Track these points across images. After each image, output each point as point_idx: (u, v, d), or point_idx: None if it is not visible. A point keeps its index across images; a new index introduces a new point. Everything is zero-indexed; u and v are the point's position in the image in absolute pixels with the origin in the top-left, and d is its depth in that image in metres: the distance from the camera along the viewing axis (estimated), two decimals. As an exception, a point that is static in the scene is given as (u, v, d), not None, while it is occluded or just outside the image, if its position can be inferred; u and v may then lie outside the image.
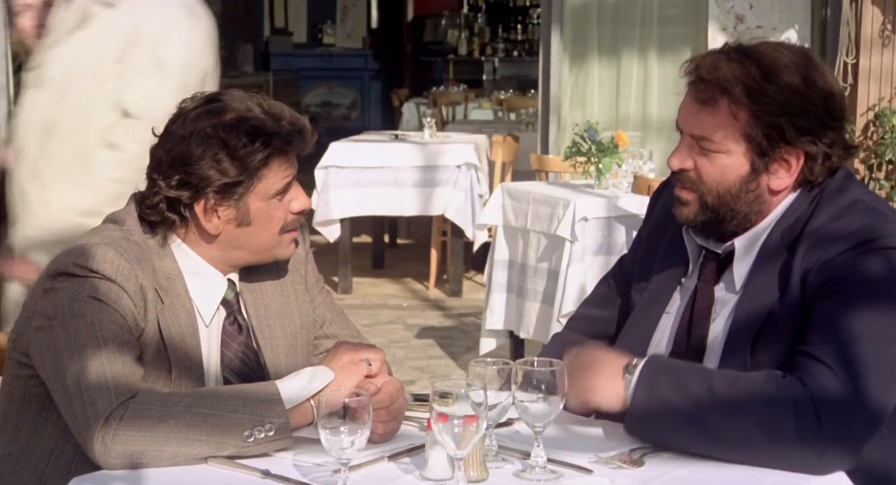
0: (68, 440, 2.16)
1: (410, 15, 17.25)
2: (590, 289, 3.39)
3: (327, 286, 2.60)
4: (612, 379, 2.14)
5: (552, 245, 5.27)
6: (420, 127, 9.12)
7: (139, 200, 2.28)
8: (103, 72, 2.99)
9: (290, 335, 2.39)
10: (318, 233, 7.51)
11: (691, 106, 2.26)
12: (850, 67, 6.71)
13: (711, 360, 2.26)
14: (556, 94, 7.52)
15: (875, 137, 6.75)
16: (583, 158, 5.58)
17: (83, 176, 2.99)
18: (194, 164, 2.20)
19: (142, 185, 2.95)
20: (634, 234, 2.85)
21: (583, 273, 5.13)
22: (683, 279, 2.36)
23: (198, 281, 2.28)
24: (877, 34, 6.72)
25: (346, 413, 1.88)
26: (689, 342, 2.31)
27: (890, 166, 6.75)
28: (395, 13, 17.26)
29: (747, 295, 2.24)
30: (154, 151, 2.26)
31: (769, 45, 2.26)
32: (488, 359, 2.08)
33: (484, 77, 15.80)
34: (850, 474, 2.04)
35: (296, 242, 2.35)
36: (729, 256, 2.30)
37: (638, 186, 5.24)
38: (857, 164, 6.67)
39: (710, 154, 2.24)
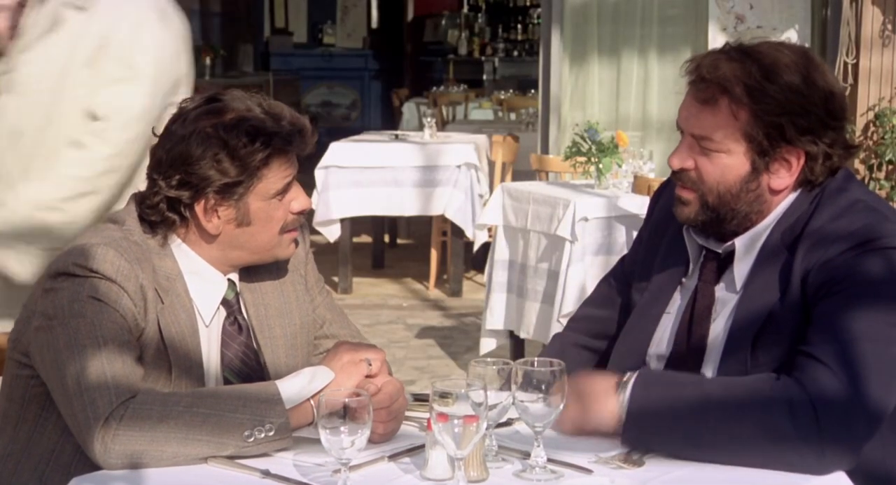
0: (68, 440, 2.16)
1: (410, 15, 17.26)
2: (590, 289, 3.39)
3: (327, 286, 2.60)
4: (605, 399, 2.13)
5: (552, 245, 5.27)
6: (420, 127, 9.13)
7: (139, 199, 2.28)
8: (74, 77, 2.96)
9: (290, 335, 2.39)
10: (318, 233, 7.51)
11: (692, 105, 2.26)
12: (850, 67, 6.71)
13: (712, 360, 2.26)
14: (556, 94, 7.52)
15: (875, 137, 6.76)
16: (583, 158, 5.58)
17: (45, 171, 2.97)
18: (194, 164, 2.20)
19: (103, 188, 2.94)
20: (635, 234, 2.86)
21: (583, 273, 5.13)
22: (684, 279, 2.37)
23: (198, 281, 2.28)
24: (877, 34, 6.72)
25: (346, 413, 1.88)
26: (690, 342, 2.31)
27: (890, 166, 6.75)
28: (395, 13, 17.27)
29: (748, 295, 2.24)
30: (154, 151, 2.26)
31: (770, 45, 2.26)
32: (488, 359, 2.08)
33: (484, 77, 15.80)
34: (850, 474, 2.04)
35: (296, 242, 2.35)
36: (729, 255, 2.30)
37: (638, 186, 5.24)
38: (857, 164, 6.67)
39: (711, 154, 2.24)
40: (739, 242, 2.28)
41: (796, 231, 2.22)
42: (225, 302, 2.32)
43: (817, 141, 2.22)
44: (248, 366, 2.33)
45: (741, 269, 2.27)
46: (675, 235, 2.39)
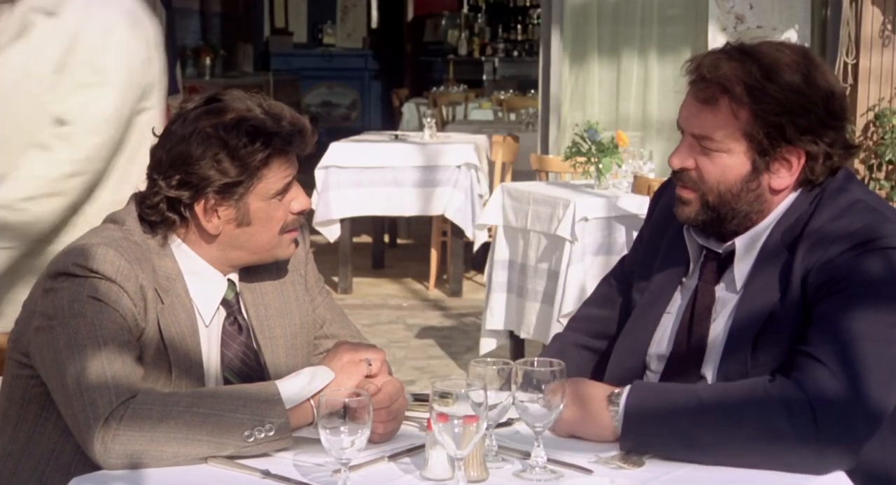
0: (68, 440, 2.16)
1: (410, 15, 17.26)
2: (590, 289, 3.40)
3: (327, 286, 2.60)
4: (598, 413, 2.13)
5: (552, 245, 5.27)
6: (420, 127, 9.13)
7: (139, 199, 2.28)
8: (42, 82, 2.93)
9: (290, 335, 2.39)
10: (318, 233, 7.51)
11: (692, 105, 2.26)
12: (850, 67, 6.71)
13: (712, 360, 2.26)
14: (556, 94, 7.52)
15: (875, 137, 6.76)
16: (583, 158, 5.58)
17: (8, 171, 2.95)
18: (194, 164, 2.20)
19: (69, 191, 2.92)
20: (635, 234, 2.86)
21: (583, 273, 5.13)
22: (684, 279, 2.37)
23: (198, 281, 2.28)
24: (877, 34, 6.72)
25: (346, 413, 1.88)
26: (690, 342, 2.31)
27: (890, 166, 6.75)
28: (395, 13, 17.27)
29: (748, 295, 2.24)
30: (154, 151, 2.26)
31: (770, 45, 2.26)
32: (488, 359, 2.08)
33: (484, 77, 15.81)
34: (850, 474, 2.04)
35: (296, 242, 2.35)
36: (730, 255, 2.30)
37: (638, 186, 5.24)
38: (857, 164, 6.67)
39: (711, 153, 2.24)
40: (740, 242, 2.28)
41: (796, 231, 2.22)
42: (225, 302, 2.32)
43: (818, 141, 2.22)
44: (248, 366, 2.33)
45: (741, 269, 2.27)
46: (675, 235, 2.39)
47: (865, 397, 2.03)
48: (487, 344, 5.71)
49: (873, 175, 6.75)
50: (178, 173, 2.21)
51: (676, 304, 2.36)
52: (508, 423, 2.18)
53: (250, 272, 2.36)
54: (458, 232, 7.67)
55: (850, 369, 2.04)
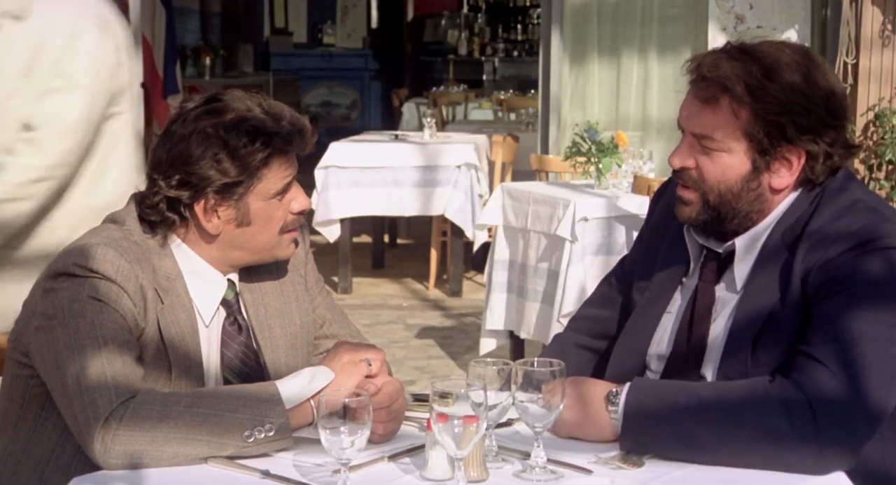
0: (68, 440, 2.16)
1: (410, 15, 17.26)
2: (590, 289, 3.40)
3: (327, 286, 2.60)
4: (597, 414, 2.13)
5: (552, 245, 5.27)
6: (420, 127, 9.13)
7: (139, 199, 2.28)
8: (9, 86, 2.91)
9: (290, 335, 2.39)
10: (318, 233, 7.51)
11: (692, 104, 2.26)
12: (850, 67, 6.71)
13: (712, 360, 2.26)
14: (556, 94, 7.52)
15: (875, 137, 6.75)
16: (583, 158, 5.58)
17: None
18: (194, 163, 2.20)
19: (35, 195, 2.91)
20: (635, 234, 2.86)
21: (583, 273, 5.13)
22: (684, 279, 2.37)
23: (198, 281, 2.28)
24: (877, 34, 6.71)
25: (346, 413, 1.88)
26: (690, 342, 2.31)
27: (890, 166, 6.75)
28: (395, 13, 17.27)
29: (748, 295, 2.24)
30: (154, 151, 2.26)
31: (771, 44, 2.26)
32: (488, 359, 2.08)
33: (484, 77, 15.81)
34: (850, 474, 2.04)
35: (296, 242, 2.35)
36: (730, 255, 2.30)
37: (638, 186, 5.24)
38: (857, 164, 6.67)
39: (712, 152, 2.24)
40: (740, 242, 2.28)
41: (797, 231, 2.22)
42: (225, 302, 2.32)
43: (818, 140, 2.22)
44: (248, 366, 2.32)
45: (741, 269, 2.27)
46: (675, 235, 2.39)
47: (865, 397, 2.03)
48: (487, 344, 5.71)
49: (873, 175, 6.75)
50: (178, 173, 2.21)
51: (676, 304, 2.36)
52: (508, 423, 2.18)
53: (250, 272, 2.36)
54: (458, 232, 7.67)
55: (850, 369, 2.04)
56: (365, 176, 7.60)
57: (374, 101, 16.66)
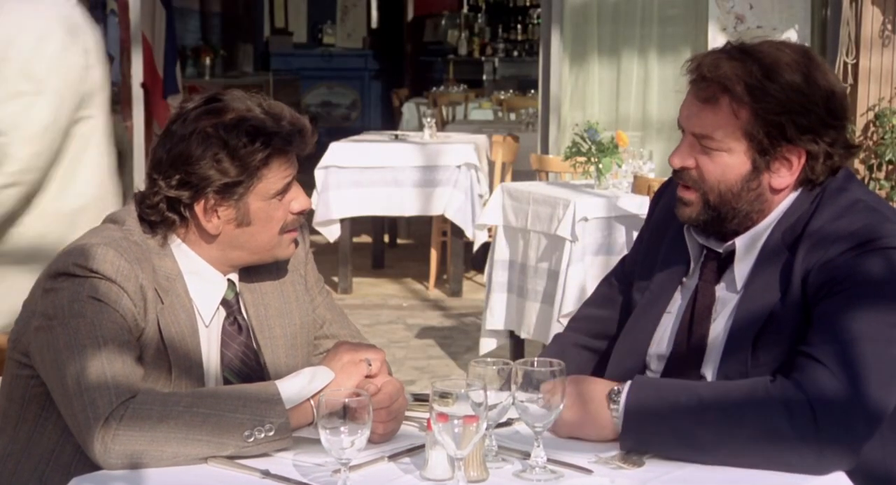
0: (68, 440, 2.16)
1: (410, 15, 17.26)
2: (590, 289, 3.40)
3: (327, 286, 2.60)
4: (598, 412, 2.13)
5: (552, 245, 5.27)
6: (420, 127, 9.13)
7: (139, 199, 2.28)
8: None
9: (290, 335, 2.39)
10: (318, 233, 7.51)
11: (693, 104, 2.26)
12: (850, 67, 6.71)
13: (712, 360, 2.26)
14: (556, 94, 7.52)
15: (875, 137, 6.75)
16: (583, 158, 5.58)
17: None
18: (194, 163, 2.20)
19: (4, 201, 2.89)
20: (635, 234, 2.86)
21: (583, 273, 5.13)
22: (684, 279, 2.36)
23: (198, 281, 2.28)
24: (877, 34, 6.71)
25: (346, 413, 1.88)
26: (690, 342, 2.31)
27: (890, 166, 6.75)
28: (395, 13, 17.27)
29: (748, 295, 2.24)
30: (154, 151, 2.26)
31: (771, 44, 2.26)
32: (488, 359, 2.08)
33: (484, 77, 15.81)
34: (850, 474, 2.04)
35: (296, 242, 2.35)
36: (730, 255, 2.30)
37: (638, 186, 5.24)
38: (857, 164, 6.67)
39: (712, 152, 2.24)
40: (740, 242, 2.28)
41: (797, 231, 2.22)
42: (225, 302, 2.32)
43: (818, 140, 2.22)
44: (248, 366, 2.32)
45: (742, 268, 2.27)
46: (675, 235, 2.39)
47: (865, 397, 2.03)
48: (487, 344, 5.71)
49: (873, 175, 6.75)
50: (178, 173, 2.21)
51: (677, 304, 2.36)
52: (508, 423, 2.18)
53: (250, 272, 2.36)
54: (458, 232, 7.67)
55: (850, 369, 2.04)
56: (365, 176, 7.60)
57: (374, 101, 16.66)
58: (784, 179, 2.25)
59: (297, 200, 2.29)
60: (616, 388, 2.13)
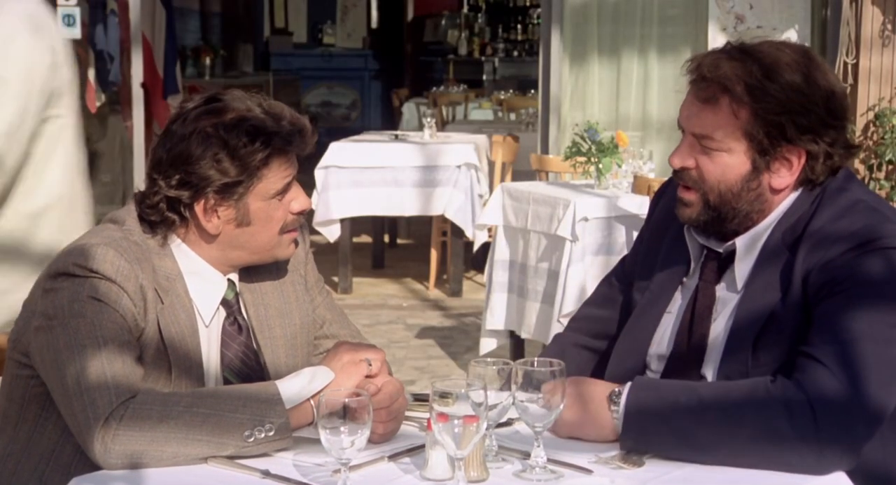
0: (68, 440, 2.16)
1: (410, 15, 17.26)
2: (590, 289, 3.39)
3: (327, 286, 2.60)
4: (599, 412, 2.13)
5: (552, 245, 5.27)
6: (420, 127, 9.13)
7: (139, 199, 2.28)
8: None
9: (290, 335, 2.39)
10: (318, 233, 7.51)
11: (693, 104, 2.26)
12: (850, 67, 6.71)
13: (712, 360, 2.26)
14: (556, 94, 7.52)
15: (875, 137, 6.76)
16: (583, 158, 5.58)
17: None
18: (194, 163, 2.20)
19: None
20: (635, 234, 2.86)
21: (583, 273, 5.13)
22: (685, 279, 2.36)
23: (198, 281, 2.28)
24: (877, 34, 6.72)
25: (346, 413, 1.88)
26: (690, 342, 2.31)
27: (890, 166, 6.75)
28: (395, 13, 17.27)
29: (749, 295, 2.24)
30: (154, 151, 2.26)
31: (771, 44, 2.26)
32: (488, 359, 2.08)
33: (484, 77, 15.81)
34: (850, 475, 2.04)
35: (296, 242, 2.35)
36: (730, 255, 2.30)
37: (638, 186, 5.24)
38: (857, 164, 6.67)
39: (712, 152, 2.24)
40: (740, 242, 2.28)
41: (797, 231, 2.22)
42: (225, 302, 2.32)
43: (818, 140, 2.22)
44: (248, 366, 2.32)
45: (742, 268, 2.27)
46: (676, 235, 2.39)
47: (866, 397, 2.03)
48: (487, 344, 5.71)
49: (873, 175, 6.75)
50: (178, 173, 2.21)
51: (677, 303, 2.36)
52: (508, 423, 2.18)
53: (250, 272, 2.36)
54: (458, 232, 7.67)
55: (850, 369, 2.04)
56: (365, 176, 7.60)
57: (374, 101, 16.66)
58: (784, 179, 2.25)
59: (297, 200, 2.29)
60: (617, 390, 2.13)
